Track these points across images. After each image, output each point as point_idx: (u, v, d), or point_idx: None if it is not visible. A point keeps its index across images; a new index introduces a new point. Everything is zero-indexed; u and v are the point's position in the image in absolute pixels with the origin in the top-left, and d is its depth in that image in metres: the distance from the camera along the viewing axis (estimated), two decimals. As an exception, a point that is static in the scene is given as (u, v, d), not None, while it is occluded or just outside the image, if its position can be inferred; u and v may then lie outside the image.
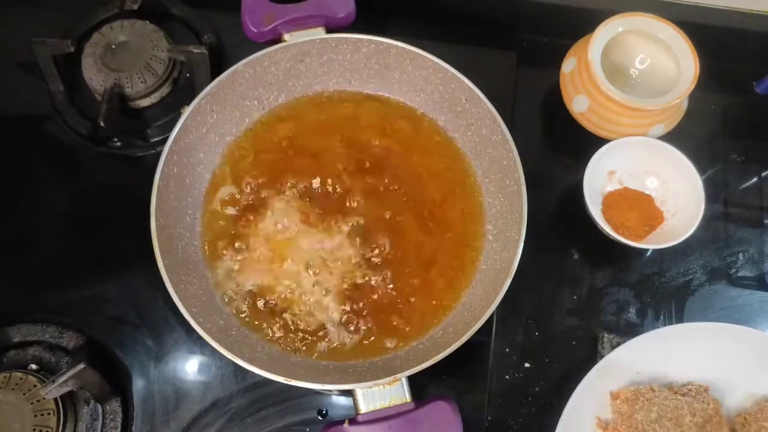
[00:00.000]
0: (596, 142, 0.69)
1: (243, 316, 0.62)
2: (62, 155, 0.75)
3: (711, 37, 0.70)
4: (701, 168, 0.68)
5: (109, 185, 0.73)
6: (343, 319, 0.62)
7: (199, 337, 0.54)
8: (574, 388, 0.60)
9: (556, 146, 0.77)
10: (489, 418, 0.64)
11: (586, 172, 0.67)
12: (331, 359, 0.60)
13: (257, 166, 0.67)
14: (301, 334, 0.61)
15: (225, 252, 0.64)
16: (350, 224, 0.65)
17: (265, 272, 0.63)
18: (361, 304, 0.62)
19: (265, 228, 0.65)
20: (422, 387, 0.62)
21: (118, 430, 0.62)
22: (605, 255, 0.71)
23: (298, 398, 0.64)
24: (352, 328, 0.61)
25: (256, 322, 0.61)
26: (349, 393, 0.55)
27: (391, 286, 0.63)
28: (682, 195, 0.68)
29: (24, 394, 0.60)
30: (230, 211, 0.65)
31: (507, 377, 0.65)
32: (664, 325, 0.66)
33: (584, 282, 0.69)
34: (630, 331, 0.67)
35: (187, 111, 0.62)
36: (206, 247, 0.64)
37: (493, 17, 0.80)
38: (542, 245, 0.68)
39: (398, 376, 0.54)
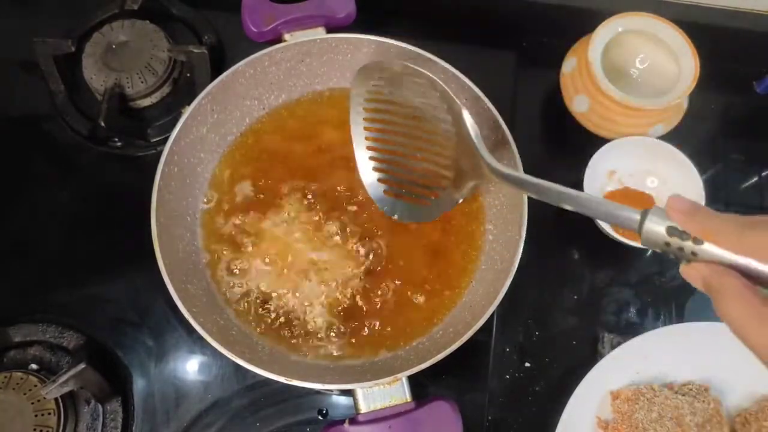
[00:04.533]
0: (596, 142, 0.69)
1: (243, 316, 0.62)
2: (62, 155, 0.75)
3: (711, 37, 0.70)
4: (701, 168, 0.68)
5: (109, 185, 0.73)
6: (344, 319, 0.62)
7: (200, 337, 0.54)
8: (574, 388, 0.60)
9: (556, 146, 0.77)
10: (489, 417, 0.64)
11: (586, 172, 0.67)
12: (331, 359, 0.60)
13: (258, 166, 0.67)
14: (301, 335, 0.61)
15: (226, 252, 0.64)
16: (350, 225, 0.65)
17: (266, 273, 0.63)
18: (361, 305, 0.62)
19: (266, 229, 0.65)
20: (422, 387, 0.62)
21: (119, 429, 0.62)
22: (605, 255, 0.71)
23: (298, 398, 0.64)
24: (352, 329, 0.61)
25: (256, 323, 0.61)
26: (349, 393, 0.55)
27: (390, 286, 0.63)
28: (682, 195, 0.68)
29: (24, 394, 0.60)
30: (231, 211, 0.65)
31: (507, 377, 0.66)
32: (664, 325, 0.66)
33: (584, 282, 0.69)
34: (630, 331, 0.67)
35: (187, 111, 0.62)
36: (207, 248, 0.64)
37: (493, 17, 0.80)
38: (543, 245, 0.68)
39: (398, 375, 0.54)
